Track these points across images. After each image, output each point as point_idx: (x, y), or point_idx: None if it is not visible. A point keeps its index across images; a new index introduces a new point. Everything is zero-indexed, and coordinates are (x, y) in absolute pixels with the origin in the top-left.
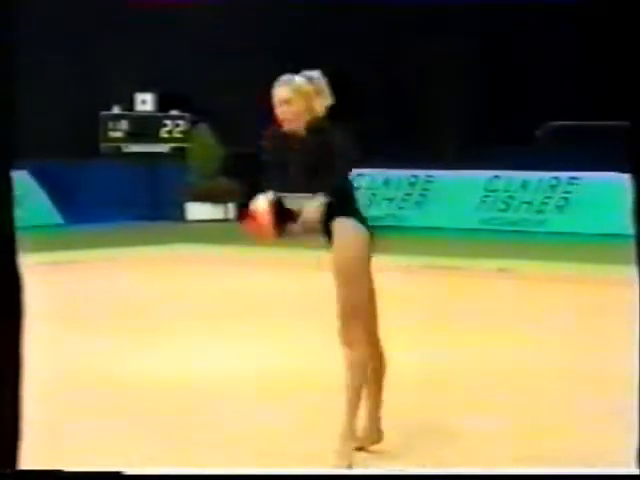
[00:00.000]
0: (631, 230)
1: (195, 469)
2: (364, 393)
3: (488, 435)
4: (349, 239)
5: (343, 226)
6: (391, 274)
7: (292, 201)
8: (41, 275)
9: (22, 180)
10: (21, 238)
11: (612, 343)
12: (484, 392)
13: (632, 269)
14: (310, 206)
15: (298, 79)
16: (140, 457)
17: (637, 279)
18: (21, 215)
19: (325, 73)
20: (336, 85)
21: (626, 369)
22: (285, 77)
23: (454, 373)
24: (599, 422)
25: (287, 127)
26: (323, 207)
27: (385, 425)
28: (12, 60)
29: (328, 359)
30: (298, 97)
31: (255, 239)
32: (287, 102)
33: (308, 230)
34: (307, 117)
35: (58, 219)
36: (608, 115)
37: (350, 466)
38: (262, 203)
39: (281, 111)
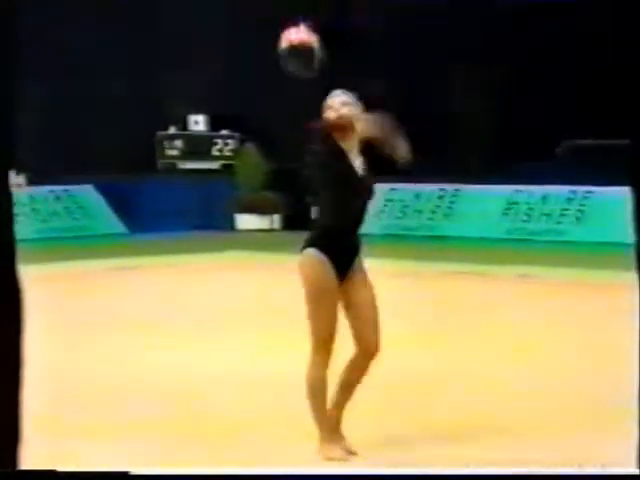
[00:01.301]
0: (634, 239)
1: (196, 469)
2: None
3: (489, 435)
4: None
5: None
6: (421, 279)
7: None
8: (106, 279)
9: (89, 194)
10: (89, 246)
11: (624, 343)
12: (490, 389)
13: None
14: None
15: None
16: (141, 457)
17: (637, 285)
18: (89, 225)
19: (360, 95)
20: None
21: (629, 368)
22: (338, 91)
23: (472, 369)
24: (599, 422)
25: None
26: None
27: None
28: (11, 77)
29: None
30: (355, 104)
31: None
32: (347, 104)
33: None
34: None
35: (122, 229)
36: (621, 134)
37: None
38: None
39: (342, 111)
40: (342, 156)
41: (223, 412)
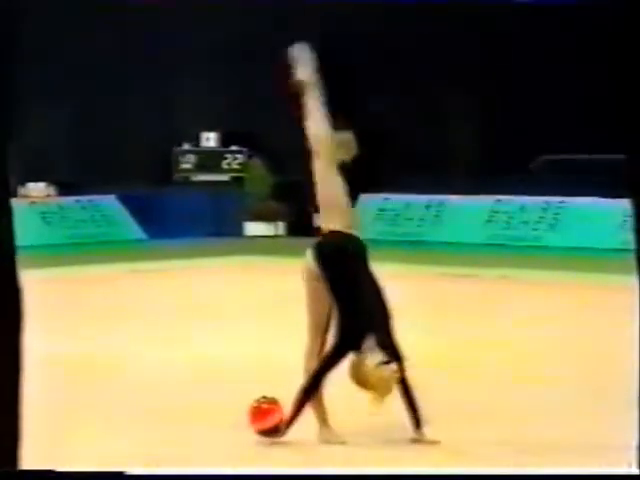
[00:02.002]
0: (610, 245)
1: (196, 469)
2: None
3: (489, 435)
4: None
5: None
6: (411, 281)
7: None
8: (127, 280)
9: (112, 204)
10: (112, 250)
11: (600, 336)
12: (484, 387)
13: (609, 276)
14: None
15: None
16: (140, 457)
17: (637, 287)
18: (112, 231)
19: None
20: (370, 133)
21: (608, 357)
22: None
23: (460, 362)
24: (599, 422)
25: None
26: None
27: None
28: (7, 99)
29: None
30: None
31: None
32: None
33: None
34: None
35: (142, 235)
36: (591, 149)
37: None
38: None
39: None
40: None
41: (233, 403)
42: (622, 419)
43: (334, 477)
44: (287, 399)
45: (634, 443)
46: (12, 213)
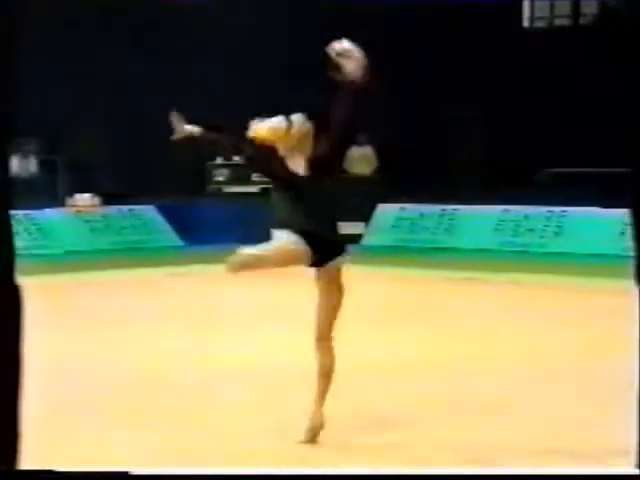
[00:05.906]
0: (611, 252)
1: (197, 469)
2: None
3: (490, 436)
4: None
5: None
6: (426, 284)
7: None
8: (165, 283)
9: (151, 213)
10: (151, 256)
11: (604, 340)
12: (487, 388)
13: (611, 281)
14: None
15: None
16: (140, 457)
17: (637, 292)
18: (151, 238)
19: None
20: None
21: (613, 361)
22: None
23: (467, 362)
24: (598, 421)
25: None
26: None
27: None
28: (11, 107)
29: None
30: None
31: None
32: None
33: None
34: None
35: (179, 242)
36: (592, 163)
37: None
38: None
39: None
40: (278, 160)
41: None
42: (621, 419)
43: (334, 477)
44: (301, 401)
45: (634, 443)
46: (10, 216)
